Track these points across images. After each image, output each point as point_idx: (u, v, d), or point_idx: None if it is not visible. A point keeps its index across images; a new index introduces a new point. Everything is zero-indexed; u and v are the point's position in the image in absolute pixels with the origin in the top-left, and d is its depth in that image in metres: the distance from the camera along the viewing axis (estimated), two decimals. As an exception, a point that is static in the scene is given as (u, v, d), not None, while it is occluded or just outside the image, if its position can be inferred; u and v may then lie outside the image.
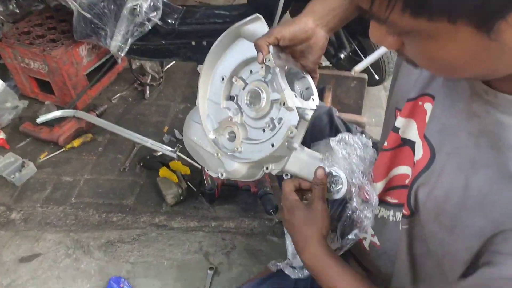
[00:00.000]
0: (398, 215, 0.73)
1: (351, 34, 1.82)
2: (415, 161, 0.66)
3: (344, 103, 1.83)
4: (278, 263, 0.91)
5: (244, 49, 0.77)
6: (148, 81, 2.24)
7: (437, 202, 0.59)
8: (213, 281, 1.32)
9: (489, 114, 0.53)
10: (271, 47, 0.71)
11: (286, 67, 0.74)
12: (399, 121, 0.72)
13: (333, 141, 0.80)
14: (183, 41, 1.91)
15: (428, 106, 0.66)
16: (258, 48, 0.71)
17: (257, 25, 0.74)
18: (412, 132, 0.70)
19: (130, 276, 1.34)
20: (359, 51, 1.87)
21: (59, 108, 2.01)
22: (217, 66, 0.82)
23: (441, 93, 0.63)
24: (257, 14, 0.74)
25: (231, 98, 0.82)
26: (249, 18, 0.75)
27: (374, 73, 1.92)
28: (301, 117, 0.71)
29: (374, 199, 0.76)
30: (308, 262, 0.75)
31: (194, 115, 0.88)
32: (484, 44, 0.41)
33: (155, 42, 1.91)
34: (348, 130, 1.10)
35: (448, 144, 0.59)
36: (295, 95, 0.72)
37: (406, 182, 0.71)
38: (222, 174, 0.81)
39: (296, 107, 0.70)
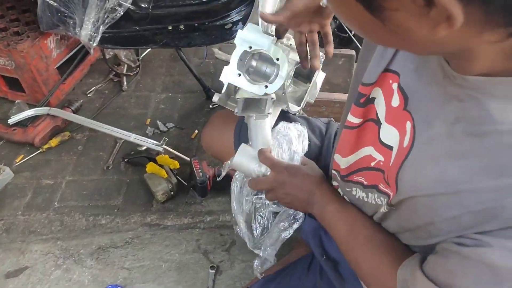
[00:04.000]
0: (371, 196, 0.70)
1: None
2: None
3: (333, 83, 1.77)
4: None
5: None
6: (124, 71, 2.12)
7: (411, 194, 0.56)
8: (216, 280, 1.26)
9: (471, 97, 0.48)
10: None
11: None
12: (374, 90, 0.68)
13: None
14: (158, 26, 1.80)
15: (394, 86, 0.62)
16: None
17: None
18: (381, 109, 0.66)
19: (128, 283, 1.27)
20: (345, 27, 1.80)
21: (31, 106, 1.87)
22: None
23: (413, 77, 0.59)
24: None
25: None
26: None
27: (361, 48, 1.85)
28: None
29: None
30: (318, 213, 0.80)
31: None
32: (378, 25, 0.39)
33: (128, 28, 1.79)
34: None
35: (424, 133, 0.55)
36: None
37: (372, 164, 0.68)
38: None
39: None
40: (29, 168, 1.70)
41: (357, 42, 1.83)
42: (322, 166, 0.99)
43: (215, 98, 0.93)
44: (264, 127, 0.90)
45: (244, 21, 1.76)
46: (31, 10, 1.88)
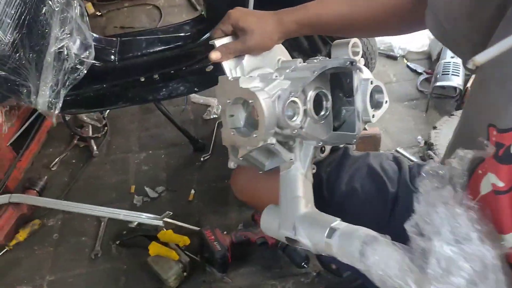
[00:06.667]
0: None
1: (326, 35, 1.60)
2: None
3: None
4: None
5: None
6: (90, 133, 1.84)
7: None
8: None
9: None
10: None
11: None
12: None
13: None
14: (129, 80, 1.56)
15: None
16: None
17: None
18: None
19: None
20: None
21: (-16, 196, 1.55)
22: None
23: None
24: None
25: None
26: None
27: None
28: None
29: None
30: None
31: None
32: None
33: (95, 87, 1.53)
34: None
35: None
36: None
37: None
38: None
39: None
40: (-4, 275, 1.37)
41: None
42: (397, 227, 0.81)
43: (231, 164, 0.80)
44: (288, 179, 0.76)
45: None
46: (-31, 82, 1.56)
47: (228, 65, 0.79)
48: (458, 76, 1.78)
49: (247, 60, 0.81)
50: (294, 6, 0.81)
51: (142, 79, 1.56)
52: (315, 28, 0.82)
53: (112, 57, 1.57)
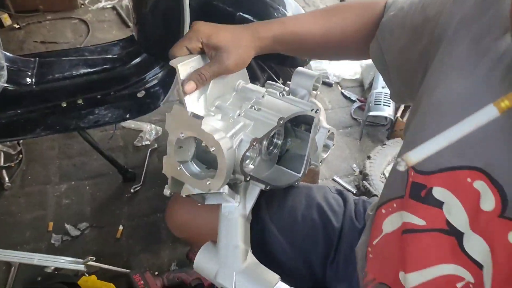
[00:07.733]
0: None
1: (264, 62, 1.57)
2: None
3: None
4: None
5: None
6: (1, 162, 1.63)
7: None
8: None
9: None
10: None
11: None
12: (438, 192, 0.52)
13: None
14: (47, 105, 1.41)
15: (480, 185, 0.48)
16: None
17: None
18: (458, 216, 0.51)
19: None
20: (275, 78, 1.63)
21: None
22: None
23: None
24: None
25: None
26: None
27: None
28: None
29: None
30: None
31: None
32: None
33: (8, 113, 1.36)
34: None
35: None
36: None
37: (459, 286, 0.53)
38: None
39: None
40: None
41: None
42: (341, 264, 0.78)
43: (167, 192, 0.70)
44: (230, 221, 0.69)
45: (162, 85, 1.47)
46: None
47: (190, 98, 0.64)
48: (389, 106, 1.85)
49: (212, 88, 0.67)
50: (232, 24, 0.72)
51: (64, 105, 1.41)
52: (289, 45, 0.73)
53: (29, 80, 1.40)
